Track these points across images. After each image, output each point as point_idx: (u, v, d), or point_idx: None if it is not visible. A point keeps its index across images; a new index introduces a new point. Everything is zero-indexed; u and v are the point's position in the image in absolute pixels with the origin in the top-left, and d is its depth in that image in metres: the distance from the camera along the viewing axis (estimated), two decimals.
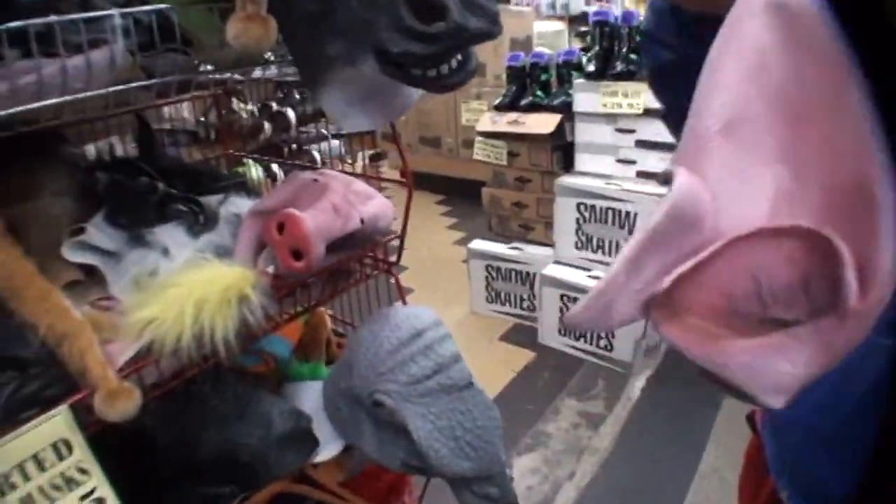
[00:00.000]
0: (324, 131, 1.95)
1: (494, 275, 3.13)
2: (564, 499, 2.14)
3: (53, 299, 0.76)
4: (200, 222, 0.95)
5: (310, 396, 1.10)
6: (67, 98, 0.72)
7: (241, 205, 1.02)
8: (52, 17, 0.67)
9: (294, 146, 1.92)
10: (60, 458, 0.72)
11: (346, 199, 0.88)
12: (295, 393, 1.13)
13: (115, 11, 0.71)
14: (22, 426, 0.69)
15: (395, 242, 1.14)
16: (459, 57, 0.69)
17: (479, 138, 3.09)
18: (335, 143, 1.97)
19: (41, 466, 0.71)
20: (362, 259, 1.09)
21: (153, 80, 0.78)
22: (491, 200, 3.16)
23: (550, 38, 6.44)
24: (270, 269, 0.85)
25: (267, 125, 1.75)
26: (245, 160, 1.60)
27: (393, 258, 1.15)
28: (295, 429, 0.97)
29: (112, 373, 0.73)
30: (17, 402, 0.71)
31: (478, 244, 3.16)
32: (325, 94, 0.79)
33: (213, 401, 0.94)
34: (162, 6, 0.74)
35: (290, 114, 1.80)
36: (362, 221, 0.89)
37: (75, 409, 0.73)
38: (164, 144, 1.50)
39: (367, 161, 2.01)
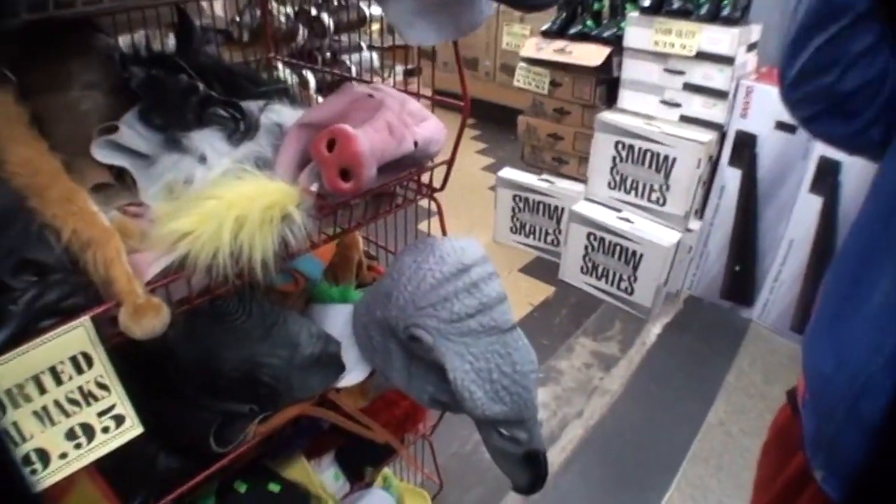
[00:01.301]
0: (360, 42, 1.88)
1: (521, 206, 3.07)
2: (571, 436, 2.16)
3: (79, 201, 0.71)
4: (241, 129, 0.90)
5: (338, 319, 1.08)
6: None
7: (283, 113, 0.96)
8: None
9: (329, 54, 1.86)
10: (80, 371, 0.69)
11: (400, 119, 0.82)
12: (323, 314, 1.10)
13: None
14: (40, 336, 0.65)
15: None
16: None
17: (521, 64, 2.98)
18: (370, 54, 1.90)
19: (59, 379, 0.68)
20: (408, 182, 1.05)
21: None
22: (527, 129, 3.08)
23: None
24: (314, 188, 0.81)
25: (302, 30, 1.69)
26: (278, 64, 1.53)
27: (438, 184, 1.10)
28: (322, 352, 0.95)
29: (140, 286, 0.69)
30: (37, 310, 0.66)
31: (507, 173, 3.09)
32: (392, 1, 0.73)
33: (238, 318, 0.91)
34: None
35: (327, 20, 1.73)
36: (416, 144, 0.84)
37: (97, 321, 0.69)
38: (204, 41, 1.43)
39: (400, 76, 1.94)
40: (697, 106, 2.60)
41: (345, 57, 1.86)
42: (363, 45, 1.88)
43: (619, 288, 2.80)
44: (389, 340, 0.97)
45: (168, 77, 0.95)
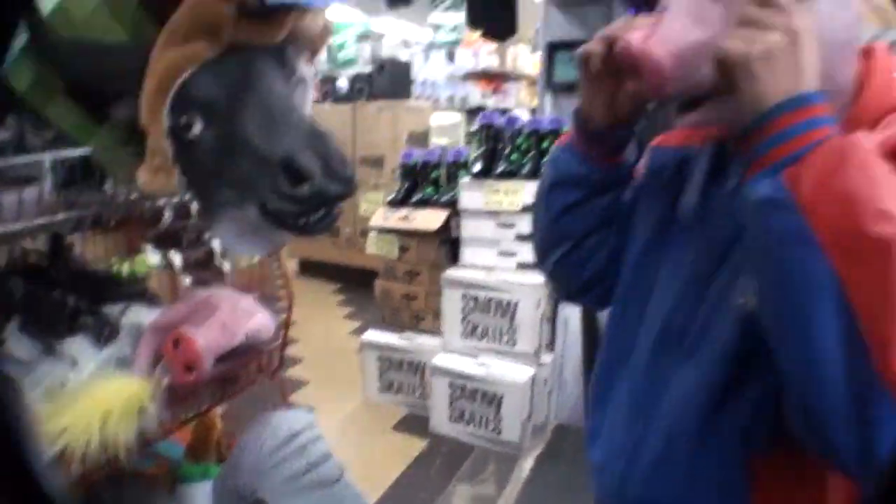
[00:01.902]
0: None
1: (387, 364, 3.23)
2: None
3: None
4: (105, 335, 1.04)
5: (201, 496, 1.18)
6: None
7: (141, 314, 1.12)
8: None
9: (193, 235, 1.98)
10: None
11: (233, 317, 0.99)
12: (187, 493, 1.20)
13: (46, 155, 0.83)
14: None
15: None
16: (323, 210, 0.83)
17: (371, 233, 3.25)
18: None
19: None
20: (248, 366, 1.19)
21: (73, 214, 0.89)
22: (383, 293, 3.29)
23: (448, 129, 6.76)
24: (166, 381, 0.96)
25: (167, 213, 1.82)
26: (144, 246, 1.66)
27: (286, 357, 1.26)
28: None
29: None
30: None
31: (371, 335, 3.27)
32: (219, 227, 0.92)
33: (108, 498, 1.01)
34: (86, 150, 0.86)
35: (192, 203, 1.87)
36: (246, 337, 1.00)
37: None
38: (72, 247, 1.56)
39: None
40: (530, 253, 2.89)
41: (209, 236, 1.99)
42: None
43: (487, 430, 2.96)
44: None
45: (43, 292, 1.09)
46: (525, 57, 9.21)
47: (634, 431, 0.98)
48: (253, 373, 1.20)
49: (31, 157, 0.81)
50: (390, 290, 3.26)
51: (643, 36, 0.81)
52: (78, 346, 1.01)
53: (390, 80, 5.88)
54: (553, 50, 3.48)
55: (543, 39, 3.57)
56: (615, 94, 0.95)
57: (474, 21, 3.31)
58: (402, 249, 3.16)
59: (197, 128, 0.82)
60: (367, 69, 6.10)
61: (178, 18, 0.82)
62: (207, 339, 0.91)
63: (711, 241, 0.92)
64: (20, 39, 0.88)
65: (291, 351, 1.77)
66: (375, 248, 3.24)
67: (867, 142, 0.69)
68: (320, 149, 0.79)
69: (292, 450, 1.01)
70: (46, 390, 0.95)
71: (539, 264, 1.18)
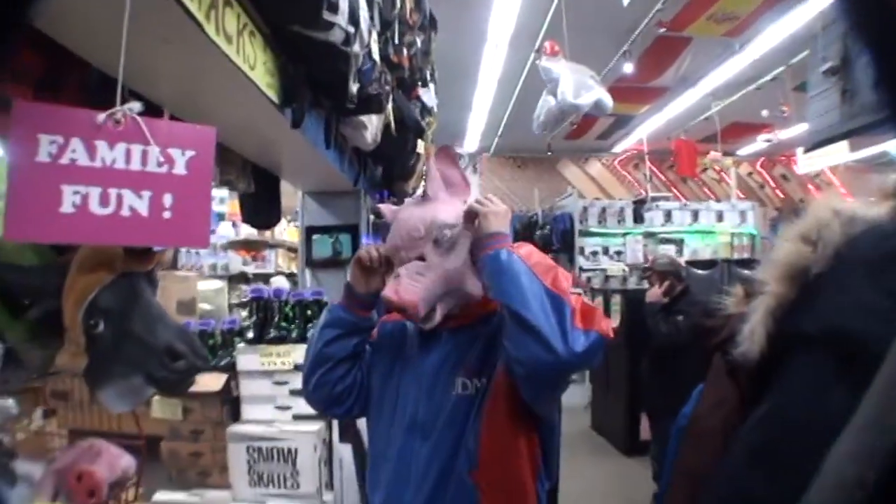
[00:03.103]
0: None
1: None
2: None
3: None
4: (11, 478, 1.38)
5: None
6: None
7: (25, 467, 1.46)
8: None
9: None
10: None
11: (112, 457, 1.39)
12: None
13: None
14: None
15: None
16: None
17: (156, 397, 3.51)
18: (10, 401, 2.27)
19: None
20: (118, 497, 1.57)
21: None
22: (169, 454, 3.52)
23: (212, 295, 7.06)
24: None
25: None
26: None
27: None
28: None
29: None
30: None
31: (161, 496, 3.44)
32: (105, 392, 1.34)
33: None
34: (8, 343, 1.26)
35: None
36: (122, 472, 1.41)
37: None
38: None
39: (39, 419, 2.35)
40: (304, 405, 3.34)
41: None
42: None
43: None
44: None
45: None
46: (282, 226, 9.83)
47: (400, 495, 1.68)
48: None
49: None
50: (177, 450, 3.49)
51: (394, 289, 1.66)
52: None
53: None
54: (310, 233, 4.15)
55: (302, 224, 4.23)
56: (371, 279, 1.85)
57: (247, 217, 3.86)
58: (186, 411, 3.45)
59: (101, 327, 1.27)
60: None
61: (86, 254, 1.29)
62: (102, 472, 1.29)
63: (430, 366, 1.70)
64: None
65: None
66: (160, 412, 3.48)
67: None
68: (186, 338, 1.29)
69: None
70: None
71: (304, 384, 1.97)
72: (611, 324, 1.65)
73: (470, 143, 13.42)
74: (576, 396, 8.73)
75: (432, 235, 1.73)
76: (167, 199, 1.14)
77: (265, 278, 9.22)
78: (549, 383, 1.71)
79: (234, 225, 8.89)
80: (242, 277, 9.31)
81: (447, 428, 1.69)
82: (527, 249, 1.75)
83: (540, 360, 1.56)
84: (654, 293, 5.74)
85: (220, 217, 8.60)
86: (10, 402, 2.24)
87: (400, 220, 1.80)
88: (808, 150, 6.41)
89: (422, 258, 1.73)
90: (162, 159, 1.16)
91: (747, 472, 1.04)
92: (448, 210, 1.80)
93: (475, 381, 1.73)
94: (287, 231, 10.00)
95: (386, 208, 1.95)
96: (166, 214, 1.13)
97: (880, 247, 1.00)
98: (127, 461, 1.47)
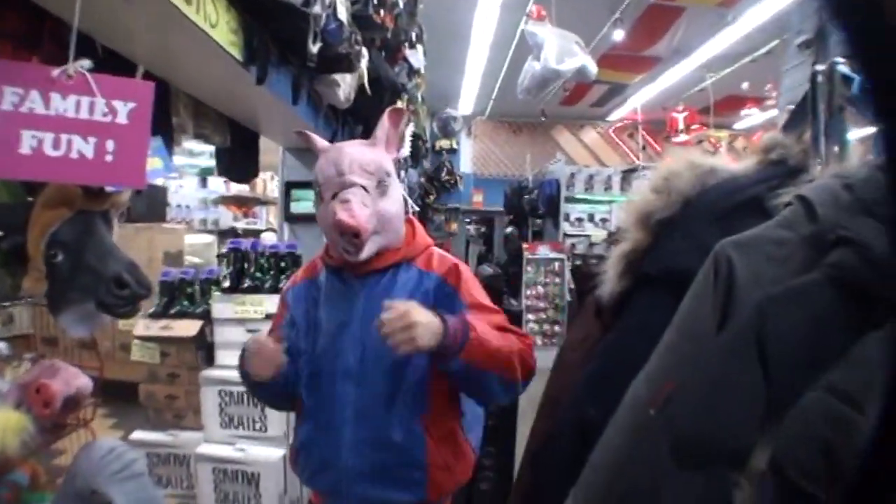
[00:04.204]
0: None
1: (155, 460, 3.61)
2: None
3: None
4: None
5: None
6: None
7: None
8: None
9: None
10: None
11: (68, 376, 1.55)
12: None
13: None
14: None
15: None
16: (132, 305, 1.47)
17: (135, 341, 3.68)
18: (2, 344, 2.42)
19: None
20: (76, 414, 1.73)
21: None
22: (147, 395, 3.70)
23: (201, 249, 7.20)
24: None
25: None
26: None
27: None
28: None
29: None
30: None
31: (138, 434, 3.64)
32: (64, 316, 1.50)
33: None
34: None
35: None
36: (76, 390, 1.56)
37: None
38: None
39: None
40: None
41: None
42: None
43: None
44: None
45: None
46: (273, 184, 9.93)
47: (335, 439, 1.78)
48: (74, 422, 1.73)
49: None
50: (154, 392, 3.68)
51: (348, 212, 1.69)
52: None
53: (147, 204, 6.27)
54: (289, 187, 4.27)
55: (282, 178, 4.35)
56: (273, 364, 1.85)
57: (222, 171, 3.96)
58: (164, 355, 3.63)
59: (59, 257, 1.42)
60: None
61: (50, 193, 1.44)
62: (59, 386, 1.45)
63: (361, 311, 1.76)
64: None
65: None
66: (139, 355, 3.66)
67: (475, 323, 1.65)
68: (132, 270, 1.44)
69: (113, 456, 1.54)
70: None
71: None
72: (533, 357, 1.76)
73: (464, 105, 13.45)
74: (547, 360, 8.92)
75: (378, 176, 1.80)
76: (110, 145, 1.30)
77: (256, 234, 9.33)
78: None
79: (225, 181, 8.99)
80: (233, 233, 9.43)
81: (398, 378, 1.78)
82: (473, 340, 1.68)
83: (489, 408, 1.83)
84: None
85: (210, 172, 8.71)
86: (2, 345, 2.41)
87: (347, 153, 1.81)
88: (784, 128, 6.47)
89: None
90: (106, 110, 1.32)
91: (584, 397, 1.18)
92: (389, 160, 1.88)
93: None
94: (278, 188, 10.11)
95: (316, 138, 1.96)
96: (108, 158, 1.29)
97: (730, 197, 1.12)
98: (84, 381, 1.63)
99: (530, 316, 9.51)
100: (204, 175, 8.99)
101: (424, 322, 1.56)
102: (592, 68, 6.06)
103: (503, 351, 1.67)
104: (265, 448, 3.43)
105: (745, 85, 9.89)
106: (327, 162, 1.81)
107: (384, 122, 1.90)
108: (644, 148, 14.12)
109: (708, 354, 0.84)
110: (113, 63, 1.92)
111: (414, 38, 5.74)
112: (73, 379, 1.55)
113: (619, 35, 7.99)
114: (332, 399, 1.80)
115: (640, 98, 12.43)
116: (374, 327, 1.63)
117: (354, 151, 1.82)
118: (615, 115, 14.46)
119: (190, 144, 8.75)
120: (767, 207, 1.06)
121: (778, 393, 0.76)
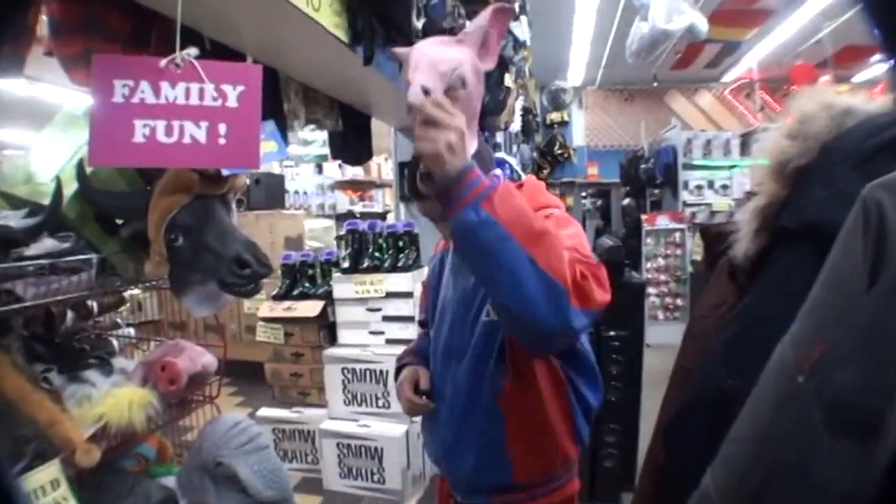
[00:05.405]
0: (118, 320, 2.50)
1: (281, 436, 3.76)
2: None
3: (47, 405, 1.41)
4: (107, 370, 1.64)
5: (169, 485, 1.75)
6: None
7: (121, 362, 1.72)
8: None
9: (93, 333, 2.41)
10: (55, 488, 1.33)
11: (194, 354, 1.62)
12: (157, 484, 1.77)
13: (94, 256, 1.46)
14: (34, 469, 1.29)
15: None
16: (254, 284, 1.50)
17: (260, 323, 3.83)
18: (130, 329, 2.55)
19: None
20: (201, 390, 1.81)
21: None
22: (273, 373, 3.85)
23: (320, 233, 7.40)
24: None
25: (70, 313, 2.09)
26: None
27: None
28: (165, 497, 1.63)
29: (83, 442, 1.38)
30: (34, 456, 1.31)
31: (264, 411, 3.80)
32: (187, 297, 1.56)
33: (111, 483, 1.58)
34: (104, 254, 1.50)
35: (92, 303, 2.22)
36: (202, 367, 1.63)
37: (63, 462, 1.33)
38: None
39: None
40: (395, 330, 3.58)
41: (108, 333, 2.40)
42: (120, 321, 2.49)
43: (372, 481, 3.52)
44: (204, 476, 1.67)
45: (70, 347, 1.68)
46: (388, 166, 10.08)
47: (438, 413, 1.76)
48: (200, 398, 1.82)
49: (84, 256, 1.45)
50: (279, 371, 3.82)
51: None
52: (92, 376, 1.59)
53: (266, 192, 6.50)
54: (403, 167, 4.31)
55: (396, 159, 4.39)
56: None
57: (336, 154, 4.03)
58: (287, 335, 3.76)
59: (180, 240, 1.48)
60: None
61: (167, 180, 1.51)
62: (184, 363, 1.53)
63: (464, 290, 1.70)
64: (72, 187, 1.53)
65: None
66: (264, 336, 3.81)
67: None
68: (253, 250, 1.48)
69: (238, 430, 1.62)
70: (77, 400, 1.51)
71: None
72: (606, 293, 1.35)
73: (574, 76, 13.17)
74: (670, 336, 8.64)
75: (449, 79, 1.45)
76: (222, 128, 1.34)
77: (373, 217, 9.49)
78: (550, 351, 1.61)
79: (339, 166, 9.21)
80: (351, 216, 9.64)
81: (477, 352, 1.68)
82: (505, 191, 1.30)
83: (534, 343, 1.45)
84: None
85: (324, 159, 8.93)
86: (130, 331, 2.56)
87: (423, 52, 1.49)
88: None
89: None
90: (216, 94, 1.35)
91: (721, 366, 1.10)
92: (471, 67, 1.51)
93: None
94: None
95: (401, 49, 1.61)
96: (221, 141, 1.33)
97: (872, 139, 1.00)
98: (208, 359, 1.70)
99: (651, 290, 9.25)
100: (319, 161, 9.24)
101: (459, 134, 1.26)
102: (703, 26, 5.75)
103: (551, 234, 1.29)
104: (388, 424, 3.49)
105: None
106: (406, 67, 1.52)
107: (481, 18, 1.52)
108: (762, 108, 13.38)
109: (862, 309, 0.76)
110: (221, 55, 1.97)
111: (518, 9, 5.63)
112: (198, 357, 1.63)
113: None
114: (436, 375, 1.83)
115: (755, 55, 11.74)
116: (453, 301, 1.70)
117: (431, 50, 1.49)
118: (730, 76, 13.73)
119: (304, 134, 9.03)
120: None
121: None
